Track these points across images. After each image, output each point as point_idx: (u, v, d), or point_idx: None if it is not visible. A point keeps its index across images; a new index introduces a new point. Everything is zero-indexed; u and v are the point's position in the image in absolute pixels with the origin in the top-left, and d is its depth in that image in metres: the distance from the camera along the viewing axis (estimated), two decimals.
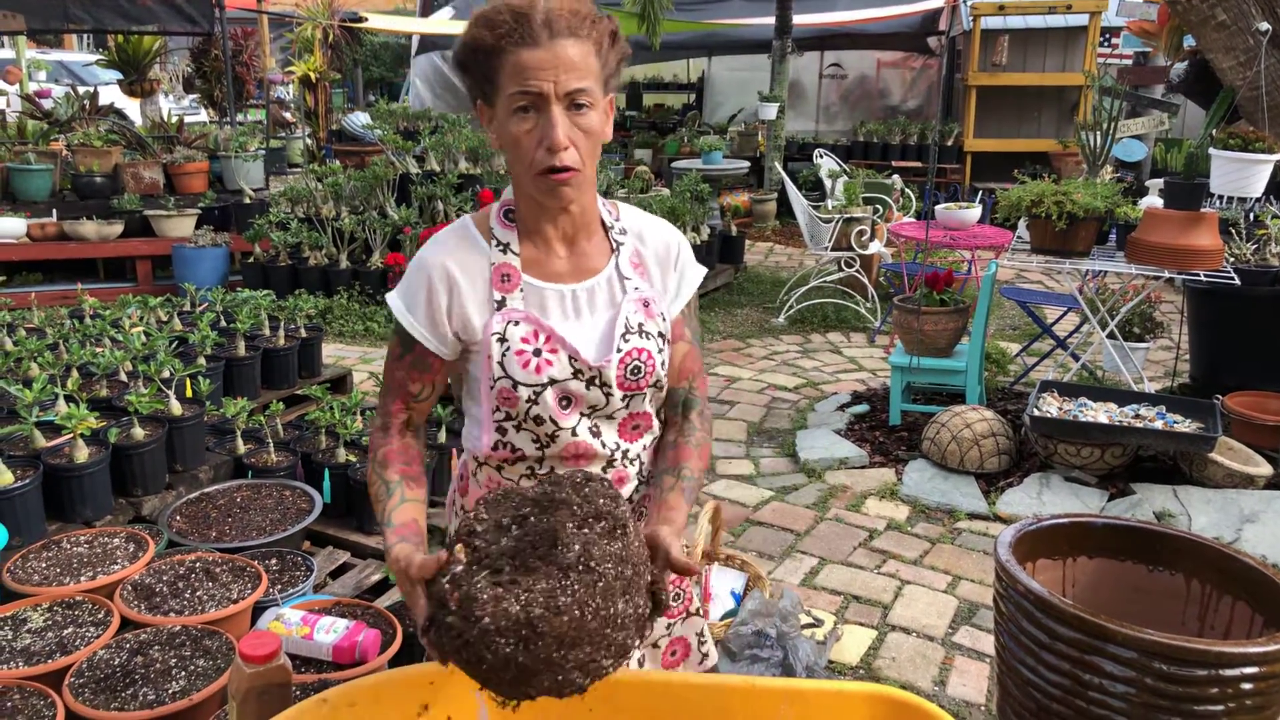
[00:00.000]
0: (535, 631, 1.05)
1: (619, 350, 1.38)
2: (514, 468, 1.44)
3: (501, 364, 1.36)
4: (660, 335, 1.43)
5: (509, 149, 1.34)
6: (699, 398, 1.53)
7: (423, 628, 1.14)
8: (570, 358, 1.36)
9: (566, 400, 1.38)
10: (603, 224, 1.47)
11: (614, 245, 1.46)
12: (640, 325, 1.41)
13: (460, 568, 1.12)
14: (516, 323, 1.37)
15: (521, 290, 1.39)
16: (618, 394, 1.39)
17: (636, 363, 1.39)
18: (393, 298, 1.43)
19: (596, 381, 1.37)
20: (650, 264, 1.48)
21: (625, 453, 1.45)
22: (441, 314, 1.39)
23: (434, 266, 1.39)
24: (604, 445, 1.42)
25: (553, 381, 1.36)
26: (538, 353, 1.36)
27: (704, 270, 1.55)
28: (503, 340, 1.36)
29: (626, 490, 1.46)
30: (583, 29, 1.29)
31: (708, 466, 1.50)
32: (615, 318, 1.41)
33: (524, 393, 1.35)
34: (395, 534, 1.29)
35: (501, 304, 1.38)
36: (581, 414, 1.40)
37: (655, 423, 1.50)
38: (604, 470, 1.43)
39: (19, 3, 7.28)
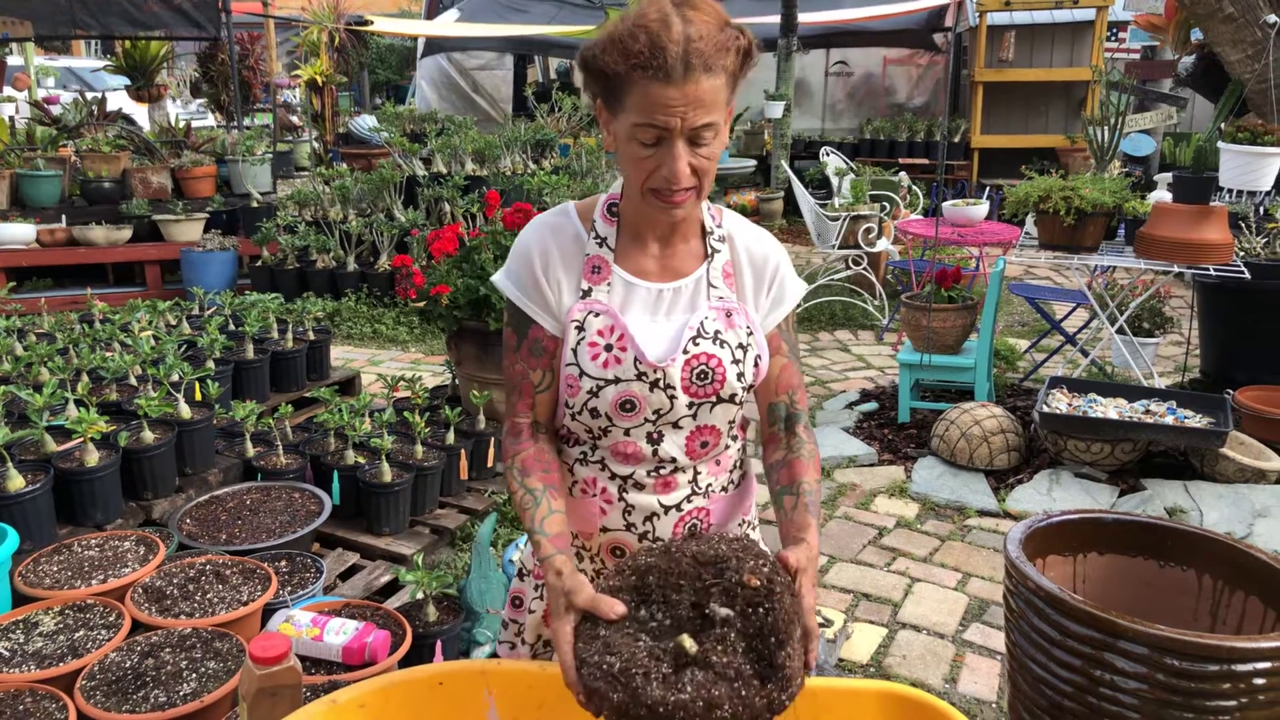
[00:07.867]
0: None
1: (685, 352, 1.37)
2: (571, 449, 1.46)
3: (574, 351, 1.38)
4: (740, 347, 1.41)
5: (626, 163, 1.33)
6: (802, 411, 1.49)
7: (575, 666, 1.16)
8: (635, 359, 1.36)
9: (630, 404, 1.37)
10: (702, 228, 1.46)
11: (709, 251, 1.44)
12: (716, 333, 1.39)
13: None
14: (597, 314, 1.39)
15: (609, 284, 1.41)
16: (683, 398, 1.37)
17: (704, 368, 1.37)
18: (500, 279, 1.46)
19: (660, 384, 1.36)
20: (744, 274, 1.46)
21: (674, 461, 1.41)
22: (546, 289, 1.41)
23: (535, 246, 1.43)
24: (657, 453, 1.40)
25: (617, 380, 1.36)
26: (609, 348, 1.37)
27: (805, 287, 1.52)
28: (580, 329, 1.39)
29: (675, 497, 1.43)
30: (718, 60, 1.24)
31: (821, 476, 1.46)
32: (690, 321, 1.40)
33: (586, 384, 1.37)
34: (551, 543, 1.28)
35: (587, 293, 1.40)
36: (646, 419, 1.38)
37: (725, 440, 1.46)
38: (649, 476, 1.41)
39: (27, 9, 7.30)
